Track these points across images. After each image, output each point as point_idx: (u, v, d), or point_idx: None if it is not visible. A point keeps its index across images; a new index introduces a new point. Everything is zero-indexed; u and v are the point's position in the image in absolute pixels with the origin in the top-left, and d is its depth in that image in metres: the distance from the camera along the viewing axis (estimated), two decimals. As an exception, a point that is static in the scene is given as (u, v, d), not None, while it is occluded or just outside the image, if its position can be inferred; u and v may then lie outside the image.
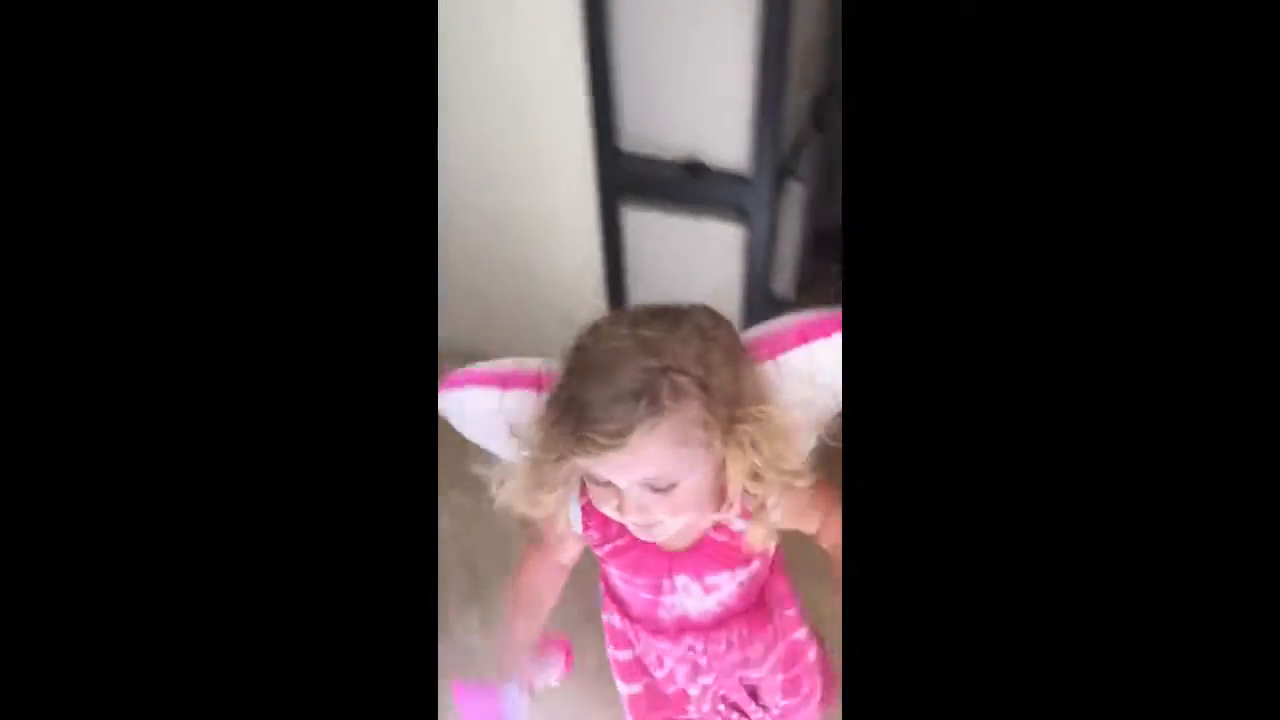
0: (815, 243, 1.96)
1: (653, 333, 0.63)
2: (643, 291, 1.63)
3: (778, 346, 0.76)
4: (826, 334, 0.76)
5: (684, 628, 0.86)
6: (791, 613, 0.94)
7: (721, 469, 0.68)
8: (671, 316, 0.67)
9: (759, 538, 0.76)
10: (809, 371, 0.75)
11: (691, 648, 0.87)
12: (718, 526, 0.77)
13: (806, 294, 1.92)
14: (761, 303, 1.58)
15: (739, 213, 1.42)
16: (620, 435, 0.60)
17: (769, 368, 0.74)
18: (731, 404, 0.65)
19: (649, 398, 0.61)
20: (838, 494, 0.81)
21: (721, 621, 0.85)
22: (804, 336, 0.76)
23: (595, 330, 0.67)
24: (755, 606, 0.88)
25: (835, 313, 0.79)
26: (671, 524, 0.70)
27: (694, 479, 0.66)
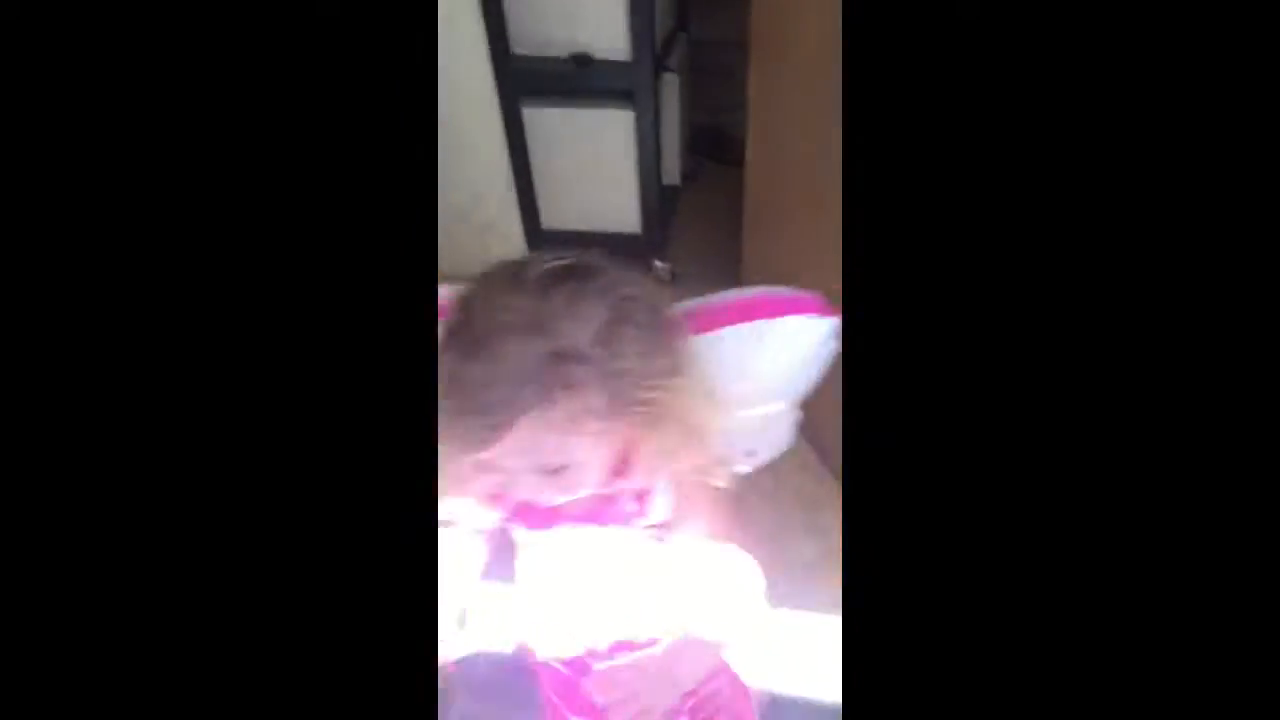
0: (692, 139, 2.20)
1: (551, 304, 0.56)
2: (549, 187, 1.82)
3: (717, 320, 0.71)
4: (772, 314, 0.71)
5: None
6: None
7: (625, 446, 0.63)
8: (577, 281, 0.58)
9: (656, 513, 0.71)
10: (744, 350, 0.71)
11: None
12: (623, 493, 0.71)
13: (690, 182, 2.17)
14: (654, 190, 1.80)
15: (626, 97, 1.63)
16: (500, 430, 0.55)
17: (704, 341, 0.69)
18: (638, 383, 0.59)
19: (536, 387, 0.54)
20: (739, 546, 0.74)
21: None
22: (746, 313, 0.71)
23: (487, 292, 0.58)
24: None
25: (790, 292, 0.74)
26: (565, 498, 0.66)
27: (589, 462, 0.62)
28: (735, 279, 1.75)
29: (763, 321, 0.72)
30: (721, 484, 0.69)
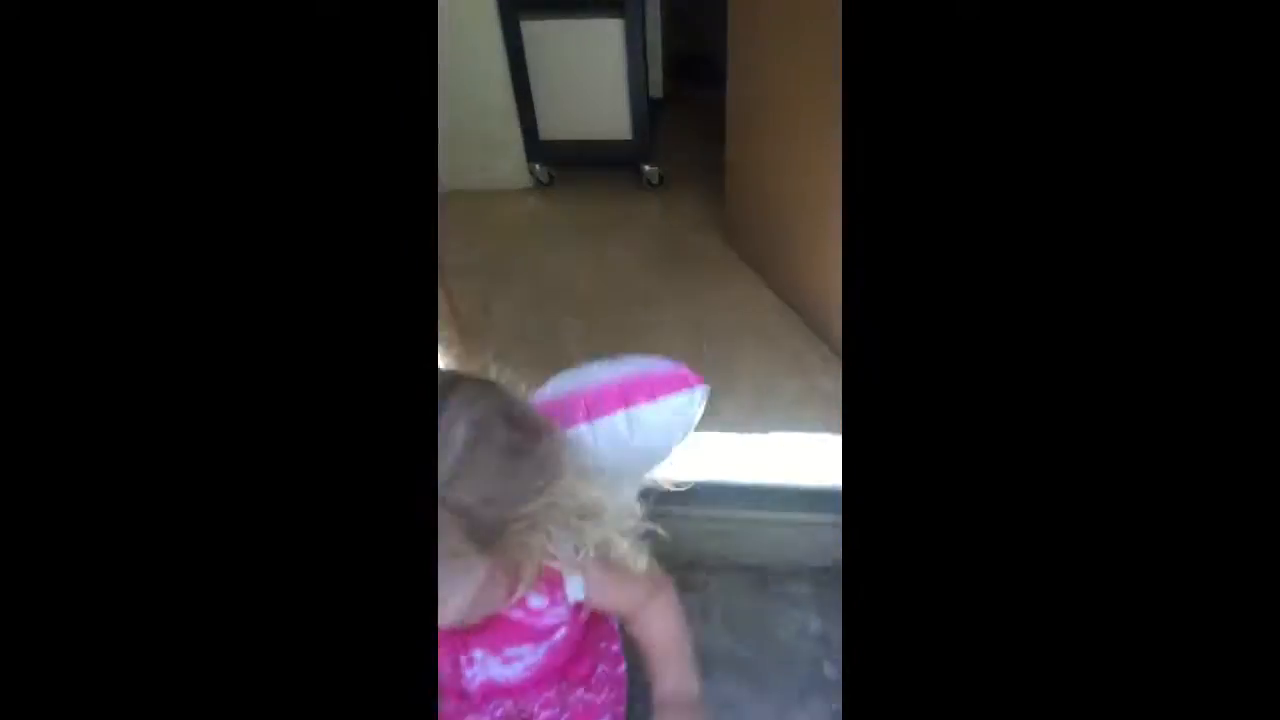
0: (671, 64, 2.38)
1: None
2: (546, 99, 1.99)
3: (595, 409, 0.71)
4: (651, 396, 0.72)
5: (490, 693, 0.77)
6: (616, 648, 0.89)
7: (499, 571, 0.61)
8: None
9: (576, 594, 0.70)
10: (627, 436, 0.70)
11: (501, 705, 0.80)
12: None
13: (671, 101, 2.35)
14: (642, 97, 1.98)
15: (615, 6, 1.80)
16: None
17: (582, 431, 0.69)
18: (500, 507, 0.56)
19: None
20: (662, 584, 0.76)
21: (533, 683, 0.78)
22: (625, 399, 0.72)
23: None
24: (572, 659, 0.81)
25: (664, 369, 0.75)
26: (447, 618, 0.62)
27: (458, 595, 0.58)
28: (720, 184, 1.94)
29: (638, 406, 0.72)
30: (626, 554, 0.67)
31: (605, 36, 1.86)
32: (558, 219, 2.08)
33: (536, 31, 1.87)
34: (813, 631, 1.19)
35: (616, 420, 0.72)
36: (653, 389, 0.74)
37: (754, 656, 1.17)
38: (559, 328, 1.72)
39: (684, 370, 0.81)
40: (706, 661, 1.14)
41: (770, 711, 1.10)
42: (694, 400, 0.80)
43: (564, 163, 2.16)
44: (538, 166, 2.12)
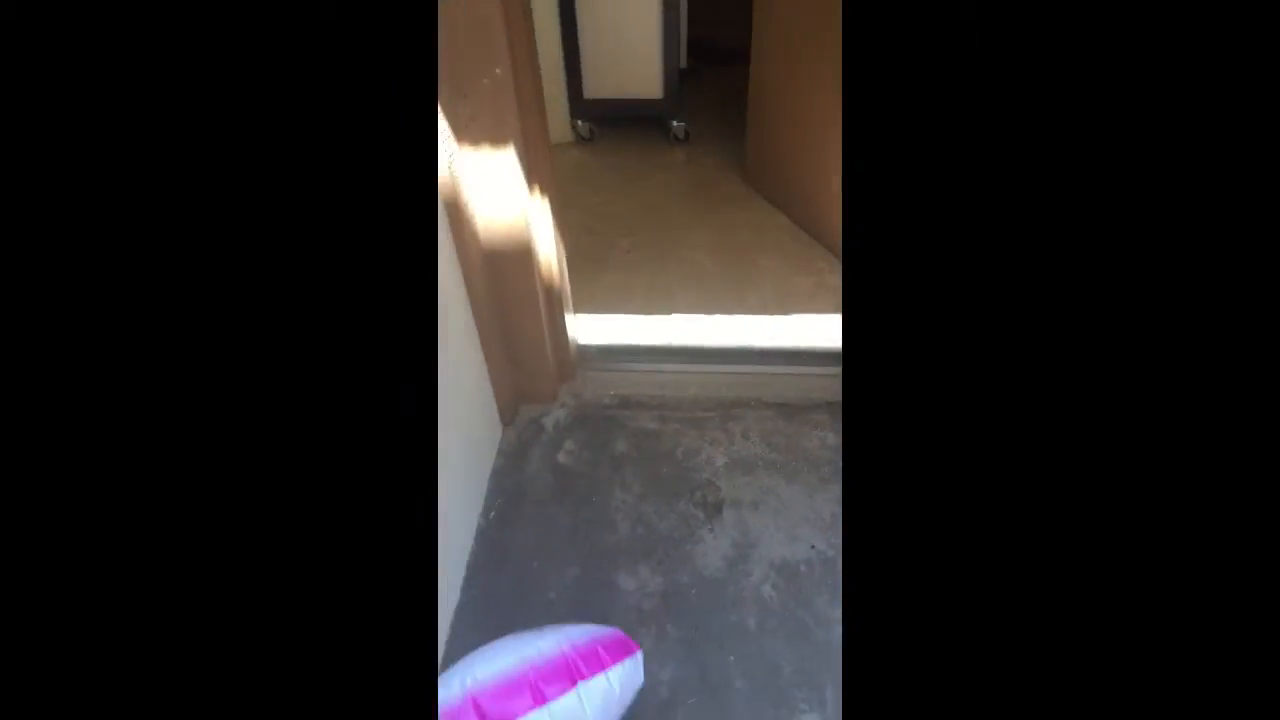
0: (691, 47, 2.75)
1: None
2: (591, 62, 2.35)
3: (546, 685, 0.68)
4: (600, 665, 0.71)
5: None
6: None
7: None
8: None
9: None
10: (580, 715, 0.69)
11: None
12: None
13: (691, 75, 2.72)
14: (675, 61, 2.34)
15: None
16: None
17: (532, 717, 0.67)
18: None
19: None
20: None
21: None
22: (573, 678, 0.70)
23: None
24: None
25: (606, 634, 0.76)
26: None
27: None
28: (734, 138, 2.30)
29: (591, 679, 0.72)
30: None
31: (646, 3, 2.22)
32: (600, 167, 2.44)
33: (588, 4, 2.23)
34: (830, 443, 1.54)
35: (567, 701, 0.68)
36: (600, 656, 0.73)
37: (786, 460, 1.51)
38: (611, 243, 2.07)
39: (622, 635, 0.81)
40: (749, 465, 1.49)
41: (800, 491, 1.44)
42: (638, 666, 0.80)
43: (603, 119, 2.52)
44: (580, 123, 2.48)
